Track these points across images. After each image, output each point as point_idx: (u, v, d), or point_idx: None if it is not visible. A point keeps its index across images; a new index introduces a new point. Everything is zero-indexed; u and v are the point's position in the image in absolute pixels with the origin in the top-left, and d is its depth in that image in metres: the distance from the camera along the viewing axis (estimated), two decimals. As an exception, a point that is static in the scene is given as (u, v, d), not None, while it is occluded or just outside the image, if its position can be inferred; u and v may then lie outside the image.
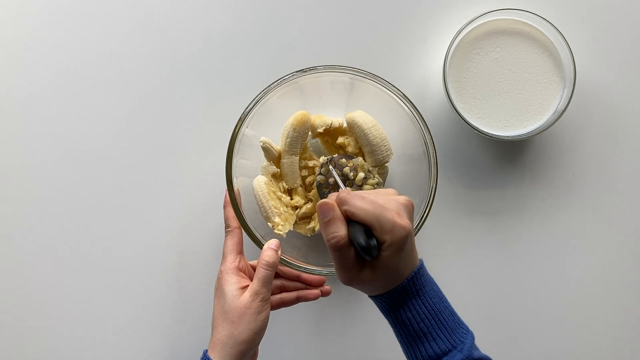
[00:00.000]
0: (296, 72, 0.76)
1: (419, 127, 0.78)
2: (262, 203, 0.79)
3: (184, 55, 0.87)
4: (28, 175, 0.87)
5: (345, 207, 0.61)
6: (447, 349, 0.62)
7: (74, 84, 0.87)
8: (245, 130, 0.77)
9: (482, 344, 0.86)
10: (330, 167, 0.76)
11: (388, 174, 0.83)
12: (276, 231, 0.78)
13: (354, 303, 0.87)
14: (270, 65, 0.86)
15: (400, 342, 0.64)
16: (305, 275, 0.78)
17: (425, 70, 0.87)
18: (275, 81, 0.76)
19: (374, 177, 0.78)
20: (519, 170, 0.86)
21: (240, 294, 0.72)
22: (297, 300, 0.78)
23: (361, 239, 0.58)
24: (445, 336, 0.62)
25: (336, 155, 0.80)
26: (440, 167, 0.81)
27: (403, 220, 0.60)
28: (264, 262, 0.73)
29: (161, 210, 0.87)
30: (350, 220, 0.60)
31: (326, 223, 0.60)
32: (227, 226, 0.77)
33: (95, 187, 0.87)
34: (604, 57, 0.86)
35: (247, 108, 0.77)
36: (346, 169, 0.77)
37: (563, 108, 0.80)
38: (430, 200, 0.77)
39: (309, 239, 0.83)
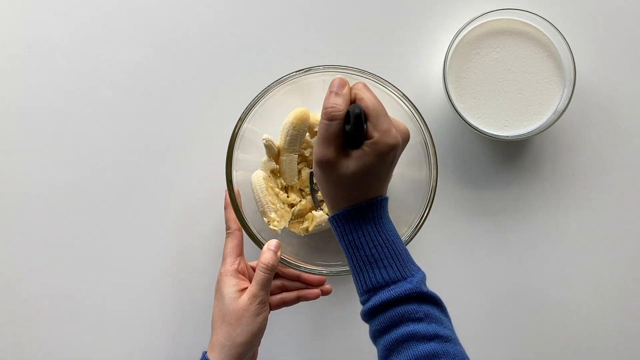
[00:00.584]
0: (296, 72, 0.76)
1: (418, 126, 0.78)
2: (259, 198, 0.79)
3: (184, 55, 0.87)
4: (27, 175, 0.87)
5: (355, 91, 0.63)
6: (396, 278, 0.62)
7: (73, 83, 0.87)
8: (246, 126, 0.77)
9: (483, 343, 0.87)
10: None
11: (388, 174, 0.83)
12: (271, 227, 0.78)
13: (354, 303, 0.87)
14: (270, 65, 0.86)
15: (351, 268, 0.64)
16: (305, 275, 0.78)
17: (425, 70, 0.87)
18: (275, 81, 0.76)
19: None
20: (519, 170, 0.86)
21: (238, 296, 0.72)
22: (298, 299, 0.78)
23: (358, 109, 0.61)
24: (396, 266, 0.62)
25: None
26: (440, 167, 0.81)
27: (397, 135, 0.62)
28: (262, 265, 0.73)
29: (161, 210, 0.87)
30: (353, 104, 0.62)
31: (334, 94, 0.62)
32: (227, 228, 0.77)
33: (95, 187, 0.87)
34: (604, 57, 0.86)
35: (247, 108, 0.77)
36: None
37: (563, 108, 0.80)
38: (430, 200, 0.77)
39: (302, 239, 0.83)
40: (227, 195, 0.76)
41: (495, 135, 0.81)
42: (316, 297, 0.78)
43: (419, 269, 0.64)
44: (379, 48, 0.87)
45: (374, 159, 0.61)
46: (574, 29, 0.85)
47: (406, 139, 0.65)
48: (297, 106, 0.79)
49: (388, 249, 0.63)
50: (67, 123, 0.87)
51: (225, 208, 0.77)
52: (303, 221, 0.82)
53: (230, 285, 0.73)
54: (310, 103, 0.81)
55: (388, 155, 0.62)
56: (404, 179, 0.83)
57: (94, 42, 0.87)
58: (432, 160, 0.77)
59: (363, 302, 0.64)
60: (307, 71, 0.77)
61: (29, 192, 0.87)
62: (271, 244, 0.75)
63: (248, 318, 0.71)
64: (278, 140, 0.81)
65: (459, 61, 0.82)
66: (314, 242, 0.83)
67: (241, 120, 0.77)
